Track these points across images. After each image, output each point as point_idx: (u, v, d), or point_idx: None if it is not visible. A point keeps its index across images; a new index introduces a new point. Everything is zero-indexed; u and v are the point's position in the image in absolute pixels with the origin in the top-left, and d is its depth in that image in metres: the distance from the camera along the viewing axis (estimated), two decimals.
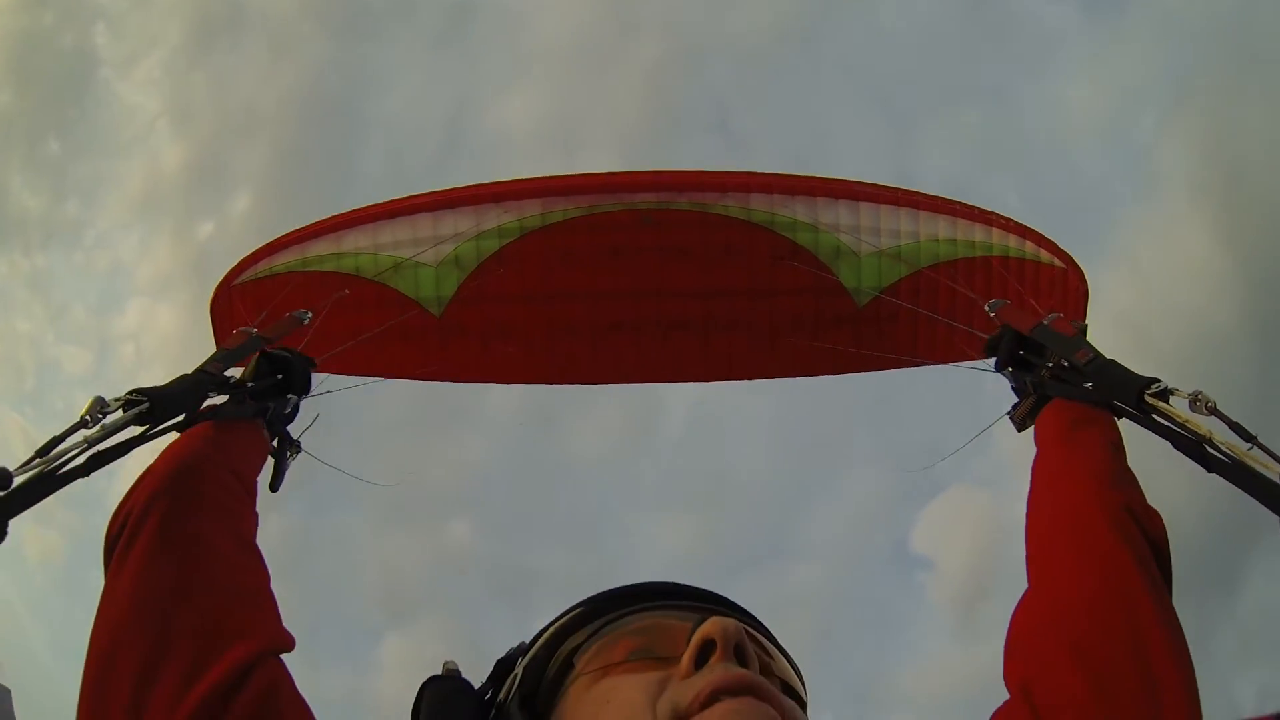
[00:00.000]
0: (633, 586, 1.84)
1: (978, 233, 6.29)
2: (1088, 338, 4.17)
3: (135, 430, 3.34)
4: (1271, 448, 2.91)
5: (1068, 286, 6.28)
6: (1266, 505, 2.71)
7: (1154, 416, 3.32)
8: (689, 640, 1.50)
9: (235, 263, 6.41)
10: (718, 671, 1.43)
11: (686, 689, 1.42)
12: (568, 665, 1.68)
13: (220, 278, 6.43)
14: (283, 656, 2.40)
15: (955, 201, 6.40)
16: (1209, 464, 3.01)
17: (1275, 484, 2.74)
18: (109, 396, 3.29)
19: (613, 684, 1.55)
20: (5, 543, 2.64)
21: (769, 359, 6.99)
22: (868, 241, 6.35)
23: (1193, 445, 3.08)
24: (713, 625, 1.49)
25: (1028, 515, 3.12)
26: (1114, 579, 2.54)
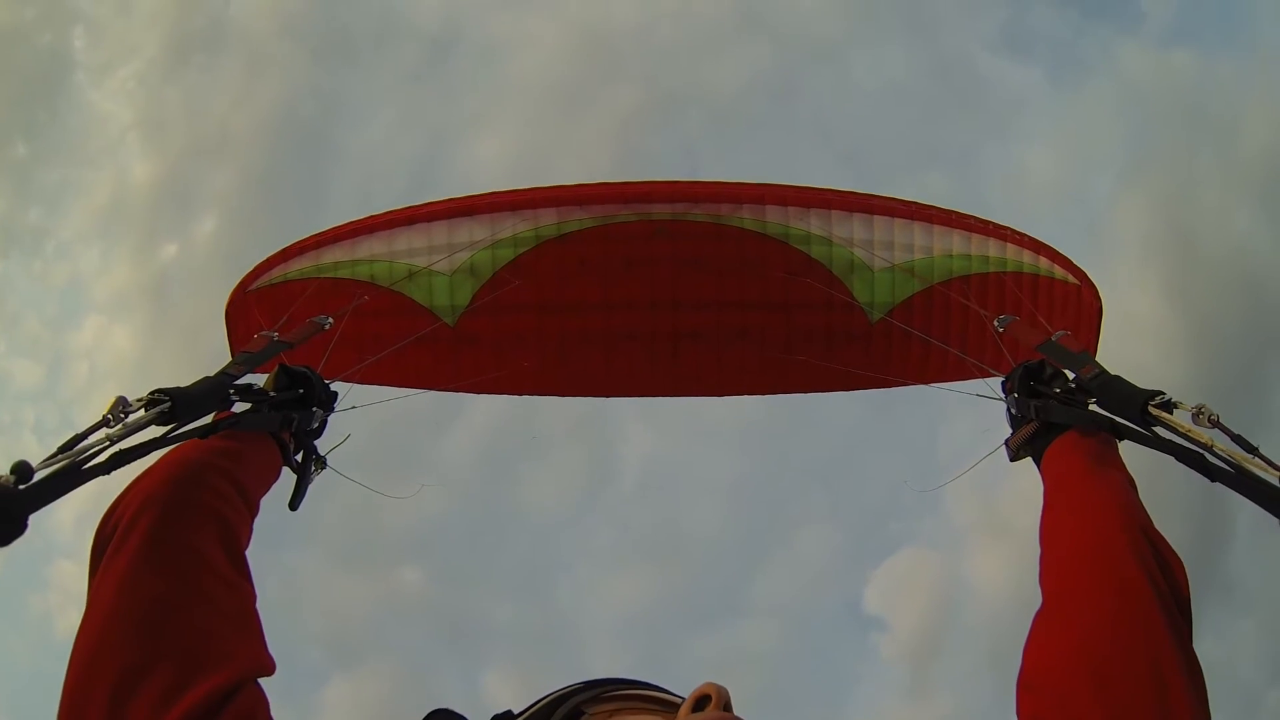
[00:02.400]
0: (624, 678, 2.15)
1: (992, 248, 6.29)
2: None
3: (158, 430, 3.29)
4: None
5: (1081, 302, 6.28)
6: (1269, 510, 2.71)
7: (1155, 430, 3.35)
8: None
9: (251, 267, 6.42)
10: (713, 714, 1.82)
11: None
12: (577, 713, 1.98)
13: (236, 282, 6.46)
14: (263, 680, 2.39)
15: (970, 216, 6.40)
16: (1211, 474, 3.01)
17: (1277, 488, 2.74)
18: (130, 396, 3.25)
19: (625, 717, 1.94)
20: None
21: (780, 374, 6.97)
22: (881, 256, 6.36)
23: (1195, 457, 3.07)
24: (708, 685, 1.87)
25: (1045, 548, 3.04)
26: (1138, 617, 2.50)
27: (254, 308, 6.31)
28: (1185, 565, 2.70)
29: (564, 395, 7.23)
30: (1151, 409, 3.34)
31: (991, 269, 6.29)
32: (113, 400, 3.16)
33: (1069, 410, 3.71)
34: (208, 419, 3.48)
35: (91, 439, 2.99)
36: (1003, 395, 4.29)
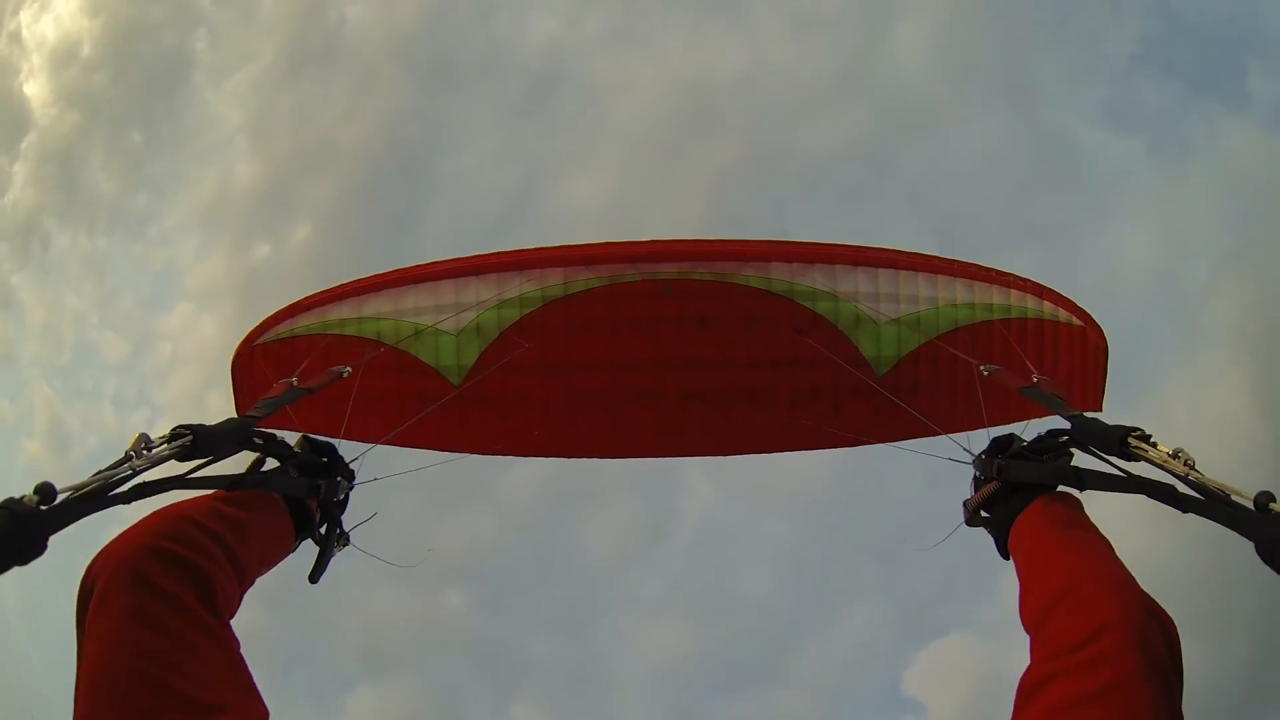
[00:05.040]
0: None
1: (995, 295, 6.33)
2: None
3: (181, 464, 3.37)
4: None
5: (1087, 343, 6.28)
6: (1242, 533, 2.75)
7: (1130, 466, 3.44)
8: None
9: (257, 323, 6.46)
10: None
11: None
12: None
13: (243, 336, 6.49)
14: None
15: (972, 264, 6.45)
16: (1184, 505, 3.05)
17: (1249, 510, 2.77)
18: (153, 433, 3.32)
19: None
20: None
21: (788, 432, 6.91)
22: (887, 309, 6.38)
23: (1166, 490, 3.14)
24: None
25: (1034, 634, 2.95)
26: (1126, 693, 2.46)
27: (260, 362, 6.32)
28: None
29: (572, 457, 7.15)
30: (1131, 441, 3.43)
31: (996, 316, 6.30)
32: (135, 436, 3.21)
33: (1035, 466, 3.76)
34: (236, 471, 3.55)
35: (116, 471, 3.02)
36: (971, 461, 4.28)
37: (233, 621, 2.91)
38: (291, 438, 4.16)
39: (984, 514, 4.00)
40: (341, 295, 6.42)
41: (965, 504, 4.10)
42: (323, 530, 4.10)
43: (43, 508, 2.55)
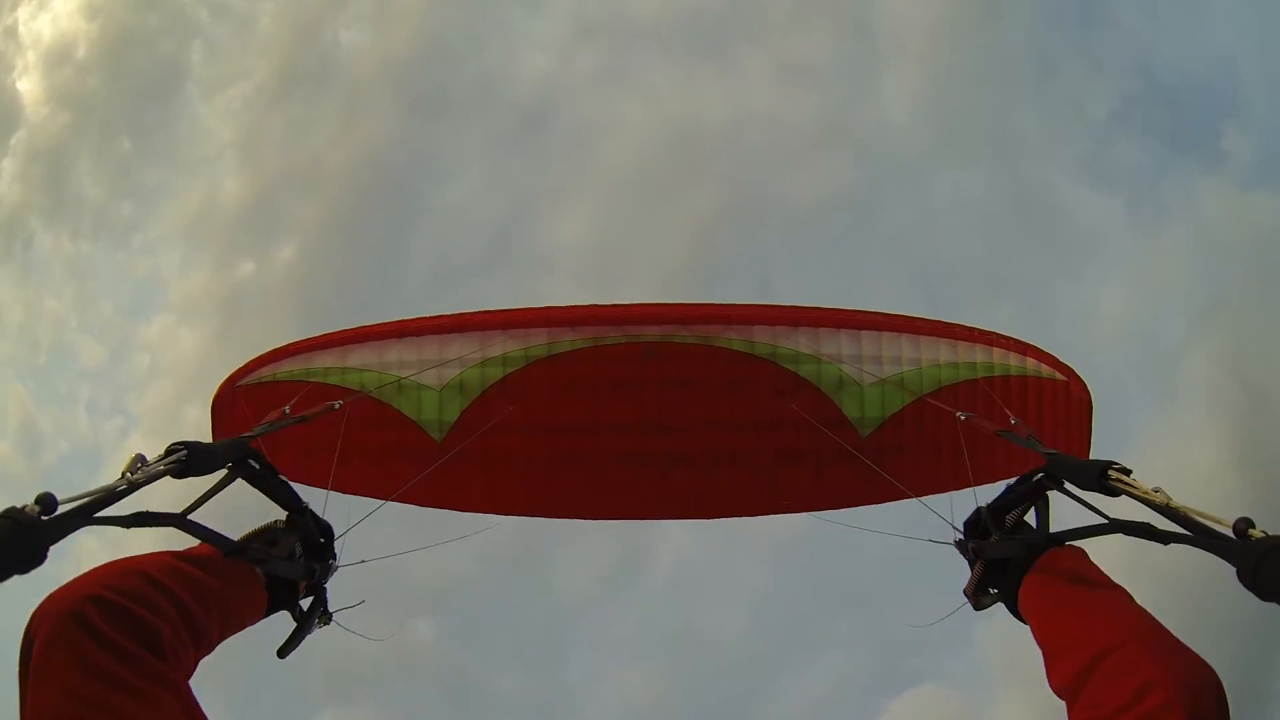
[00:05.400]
0: None
1: (978, 354, 6.39)
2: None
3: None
4: None
5: (1071, 397, 6.31)
6: (1225, 559, 2.76)
7: (1098, 514, 3.48)
8: None
9: (240, 365, 6.46)
10: None
11: None
12: None
13: (224, 378, 6.47)
14: None
15: (955, 325, 6.52)
16: (1165, 539, 3.08)
17: (1230, 537, 2.79)
18: (149, 455, 3.33)
19: None
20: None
21: (771, 495, 6.87)
22: (870, 370, 6.41)
23: (1144, 528, 3.18)
24: None
25: (1058, 670, 2.96)
26: None
27: (241, 403, 6.30)
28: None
29: (553, 517, 7.08)
30: (1112, 474, 3.43)
31: (979, 374, 6.35)
32: (131, 457, 3.21)
33: (1007, 543, 3.76)
34: (230, 534, 3.48)
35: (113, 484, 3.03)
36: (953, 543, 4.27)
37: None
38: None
39: (990, 589, 3.90)
40: (326, 344, 6.44)
41: (965, 593, 4.02)
42: (305, 606, 3.99)
43: (44, 518, 2.56)
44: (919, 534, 5.06)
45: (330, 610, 4.18)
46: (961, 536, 4.17)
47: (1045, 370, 6.35)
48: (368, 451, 6.16)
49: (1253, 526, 2.73)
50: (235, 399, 6.30)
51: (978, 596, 3.93)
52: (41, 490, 2.65)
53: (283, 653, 3.95)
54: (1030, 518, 3.97)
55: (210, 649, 3.02)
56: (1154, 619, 2.90)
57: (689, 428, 6.72)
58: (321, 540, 4.12)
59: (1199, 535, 2.92)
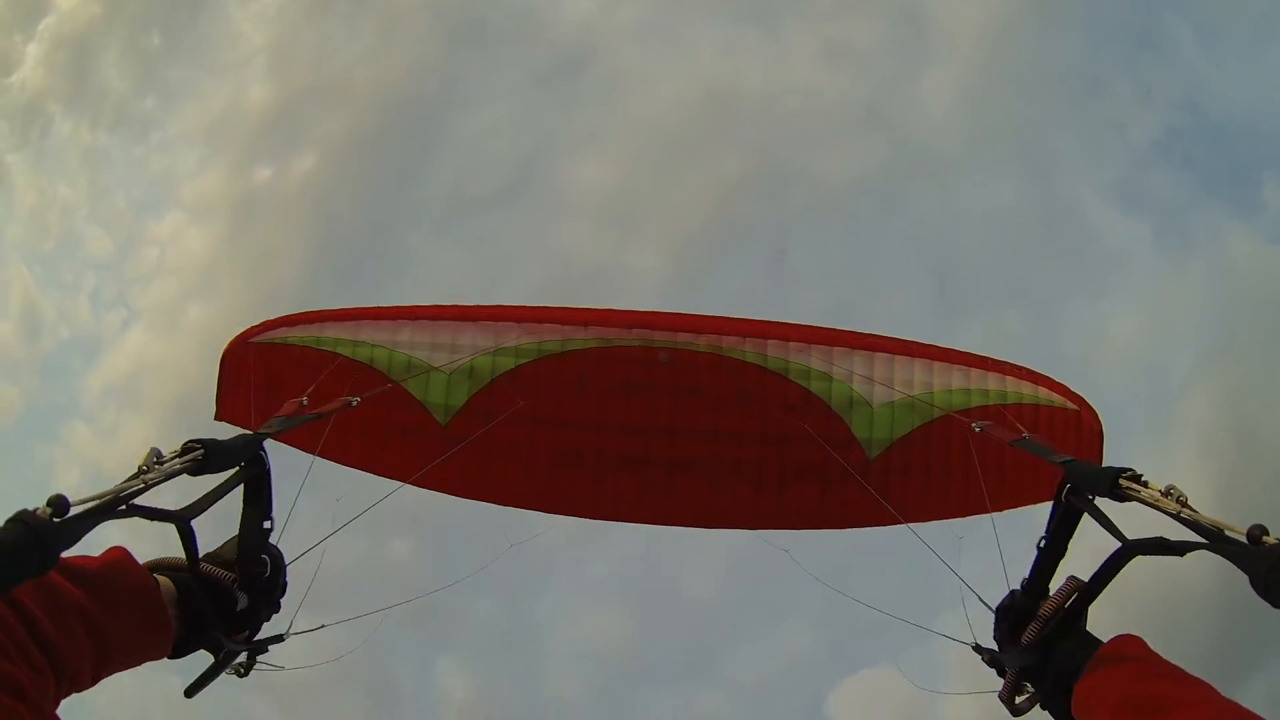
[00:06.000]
0: None
1: (991, 381, 6.35)
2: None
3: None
4: None
5: (1081, 425, 6.23)
6: (1238, 566, 2.70)
7: (1114, 529, 3.33)
8: None
9: (253, 324, 6.53)
10: None
11: None
12: None
13: (237, 333, 6.54)
14: None
15: (968, 353, 6.46)
16: (1180, 550, 3.01)
17: (1243, 543, 2.73)
18: (164, 449, 3.24)
19: None
20: None
21: (775, 509, 6.78)
22: (881, 392, 6.33)
23: (1157, 544, 3.10)
24: None
25: None
26: None
27: (250, 359, 6.35)
28: None
29: (550, 512, 7.02)
30: (1122, 482, 3.37)
31: (991, 401, 6.26)
32: (147, 451, 3.15)
33: (1017, 656, 3.53)
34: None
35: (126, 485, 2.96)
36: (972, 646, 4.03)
37: None
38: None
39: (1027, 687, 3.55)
40: (339, 317, 6.50)
41: (1001, 699, 3.64)
42: (223, 650, 3.41)
43: (55, 520, 2.48)
44: (930, 563, 4.99)
45: (251, 665, 3.64)
46: (978, 642, 3.96)
47: (1057, 399, 6.29)
48: (369, 426, 6.16)
49: (1266, 534, 2.70)
50: (246, 354, 6.36)
51: (1014, 703, 3.56)
52: (54, 493, 2.53)
53: (189, 691, 3.40)
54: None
55: (82, 683, 2.66)
56: (1249, 712, 2.66)
57: (696, 435, 6.68)
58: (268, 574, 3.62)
59: (1212, 542, 2.87)
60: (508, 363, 6.44)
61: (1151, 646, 3.07)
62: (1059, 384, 6.36)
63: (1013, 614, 3.68)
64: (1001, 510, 5.47)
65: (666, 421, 6.63)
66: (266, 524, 3.67)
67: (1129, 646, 3.10)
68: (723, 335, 6.55)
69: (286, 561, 3.78)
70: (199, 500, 3.31)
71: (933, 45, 33.39)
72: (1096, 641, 3.25)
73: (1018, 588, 3.76)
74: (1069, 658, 3.26)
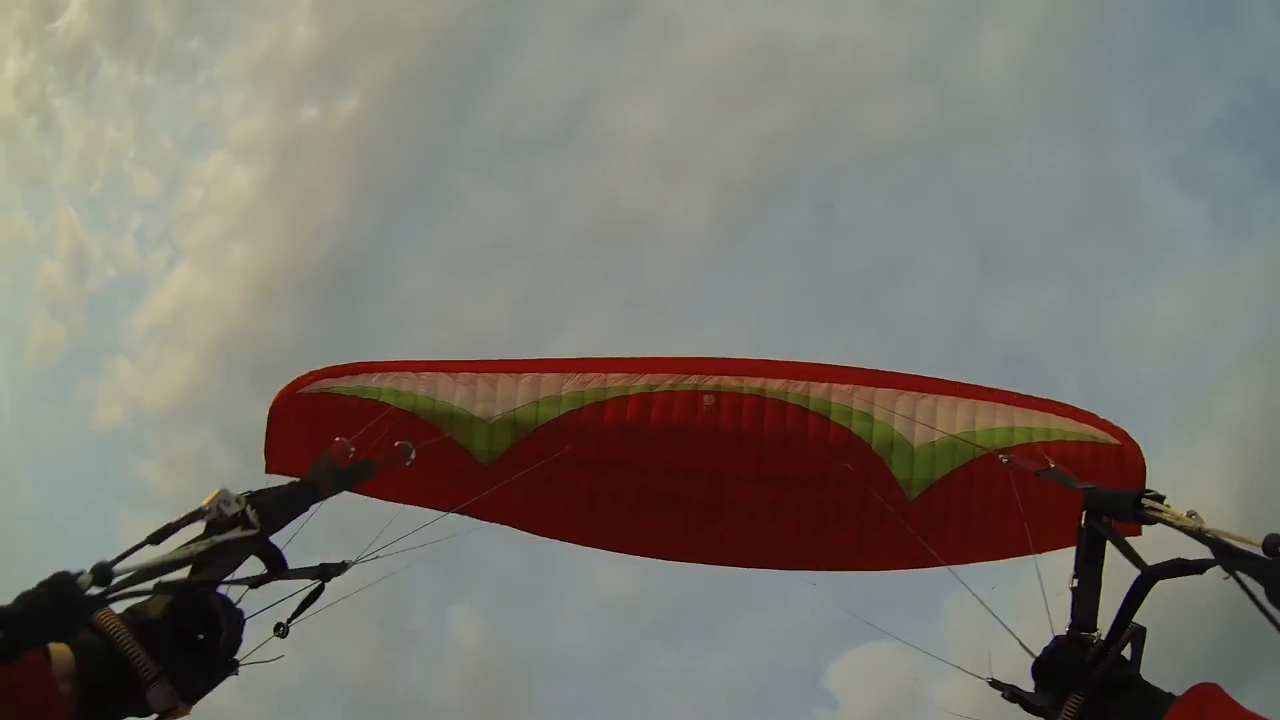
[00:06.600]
0: None
1: (1035, 420, 6.39)
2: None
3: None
4: None
5: (1124, 460, 6.25)
6: (1255, 577, 2.78)
7: (1134, 557, 3.46)
8: None
9: (298, 376, 6.62)
10: None
11: None
12: None
13: (284, 386, 6.60)
14: None
15: (1010, 392, 6.56)
16: (1200, 568, 3.09)
17: (1259, 555, 2.79)
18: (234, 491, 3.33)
19: None
20: None
21: (814, 551, 6.84)
22: (922, 431, 6.37)
23: (1177, 566, 3.18)
24: None
25: None
26: None
27: (298, 410, 6.44)
28: None
29: (590, 546, 7.11)
30: (1145, 502, 3.46)
31: (1035, 440, 6.27)
32: (215, 493, 3.21)
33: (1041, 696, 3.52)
34: None
35: (180, 542, 3.03)
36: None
37: None
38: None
39: None
40: (382, 369, 6.58)
41: None
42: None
43: (92, 591, 2.47)
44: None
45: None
46: (994, 677, 3.98)
47: (1100, 435, 6.32)
48: (412, 470, 6.20)
49: None
50: (296, 405, 6.40)
51: None
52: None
53: None
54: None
55: None
56: None
57: (738, 478, 6.72)
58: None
59: (1230, 558, 2.93)
60: (551, 412, 6.50)
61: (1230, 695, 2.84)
62: (1100, 419, 6.39)
63: (1062, 657, 3.57)
64: (1043, 552, 5.47)
65: (709, 464, 6.68)
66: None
67: (1211, 700, 2.86)
68: (766, 379, 6.59)
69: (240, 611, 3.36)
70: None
71: (995, 3, 32.52)
72: (1166, 695, 3.05)
73: (1062, 633, 3.68)
74: (1138, 713, 3.08)
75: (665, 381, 6.56)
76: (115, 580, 2.55)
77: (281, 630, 3.77)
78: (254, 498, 3.41)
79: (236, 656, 3.24)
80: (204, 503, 3.17)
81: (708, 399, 6.53)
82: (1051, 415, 6.42)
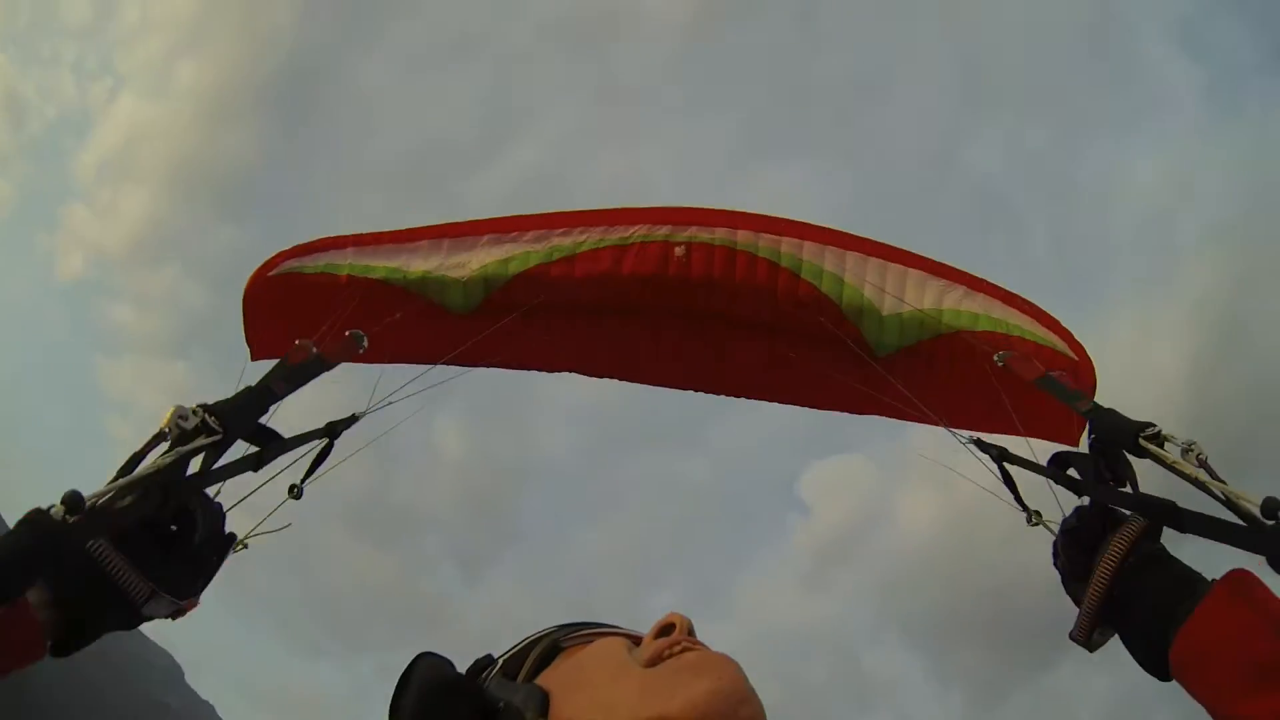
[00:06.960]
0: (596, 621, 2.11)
1: (996, 310, 6.27)
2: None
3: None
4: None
5: (1078, 377, 6.22)
6: (1249, 548, 2.57)
7: (1118, 490, 3.29)
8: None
9: (266, 259, 6.57)
10: (681, 637, 1.78)
11: (658, 642, 1.78)
12: (554, 649, 1.96)
13: (255, 269, 6.57)
14: None
15: (983, 280, 6.34)
16: (1183, 525, 2.85)
17: (1258, 519, 2.57)
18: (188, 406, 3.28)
19: (597, 643, 1.88)
20: None
21: (783, 383, 7.17)
22: (891, 303, 6.32)
23: (1167, 509, 2.95)
24: (672, 615, 1.82)
25: None
26: None
27: (271, 293, 6.53)
28: None
29: (565, 371, 7.43)
30: (1142, 440, 3.28)
31: (999, 329, 6.22)
32: (170, 411, 3.18)
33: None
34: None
35: (150, 458, 3.01)
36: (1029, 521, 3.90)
37: None
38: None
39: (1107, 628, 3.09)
40: (350, 243, 6.55)
41: (1073, 638, 3.13)
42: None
43: (69, 519, 2.41)
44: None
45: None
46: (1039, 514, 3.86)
47: (1060, 345, 6.16)
48: (385, 335, 6.41)
49: None
50: (267, 287, 6.49)
51: (1089, 637, 3.10)
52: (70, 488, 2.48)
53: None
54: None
55: None
56: None
57: (709, 317, 6.85)
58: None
59: (1220, 522, 2.72)
60: (521, 266, 6.51)
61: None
62: (1067, 331, 6.19)
63: (1082, 536, 3.25)
64: (1027, 436, 5.51)
65: (681, 306, 6.79)
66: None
67: (1250, 587, 2.52)
68: (737, 229, 6.44)
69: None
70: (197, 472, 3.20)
71: None
72: (1200, 578, 2.76)
73: (1083, 504, 3.43)
74: (1164, 595, 2.75)
75: (636, 233, 6.46)
76: (88, 506, 2.51)
77: (296, 492, 4.06)
78: (210, 408, 3.38)
79: (236, 533, 3.34)
80: (162, 424, 3.13)
81: (679, 249, 6.45)
82: (1015, 311, 6.24)
